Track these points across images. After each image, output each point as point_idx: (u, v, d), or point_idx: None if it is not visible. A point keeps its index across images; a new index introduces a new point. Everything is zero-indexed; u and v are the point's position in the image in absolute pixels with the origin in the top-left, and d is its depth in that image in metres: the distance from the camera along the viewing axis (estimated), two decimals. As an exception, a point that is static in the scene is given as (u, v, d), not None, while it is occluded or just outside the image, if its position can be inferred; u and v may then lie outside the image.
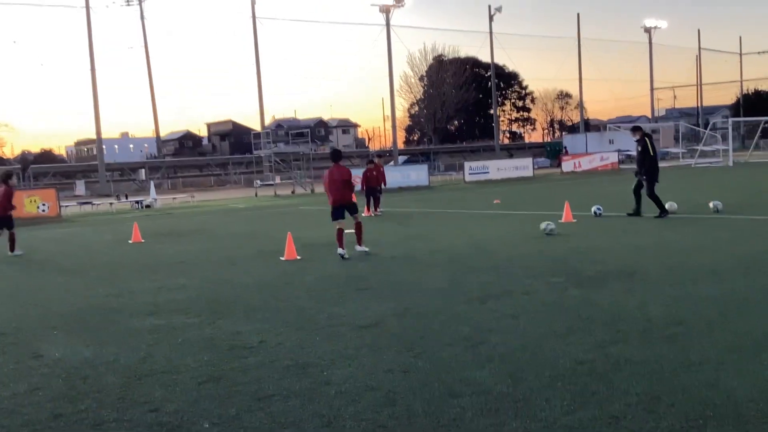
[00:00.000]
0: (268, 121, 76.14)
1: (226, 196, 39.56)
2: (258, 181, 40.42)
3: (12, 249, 14.64)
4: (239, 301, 8.33)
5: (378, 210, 20.68)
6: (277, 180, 40.26)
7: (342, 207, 11.63)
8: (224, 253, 13.15)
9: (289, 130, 47.32)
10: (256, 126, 61.60)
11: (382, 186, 21.43)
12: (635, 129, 16.02)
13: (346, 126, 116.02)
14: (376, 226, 16.73)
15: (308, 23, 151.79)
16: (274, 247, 13.03)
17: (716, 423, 3.95)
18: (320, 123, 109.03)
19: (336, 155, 12.16)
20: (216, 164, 70.86)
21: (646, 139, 14.91)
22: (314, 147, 52.49)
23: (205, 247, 14.37)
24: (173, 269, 11.36)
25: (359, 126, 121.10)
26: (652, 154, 14.77)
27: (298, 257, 11.58)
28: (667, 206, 15.01)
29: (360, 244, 11.87)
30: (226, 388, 5.07)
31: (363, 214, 16.43)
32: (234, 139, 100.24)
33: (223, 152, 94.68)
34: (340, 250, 11.28)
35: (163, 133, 75.19)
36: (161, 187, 52.95)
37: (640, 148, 14.91)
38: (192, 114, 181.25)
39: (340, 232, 11.45)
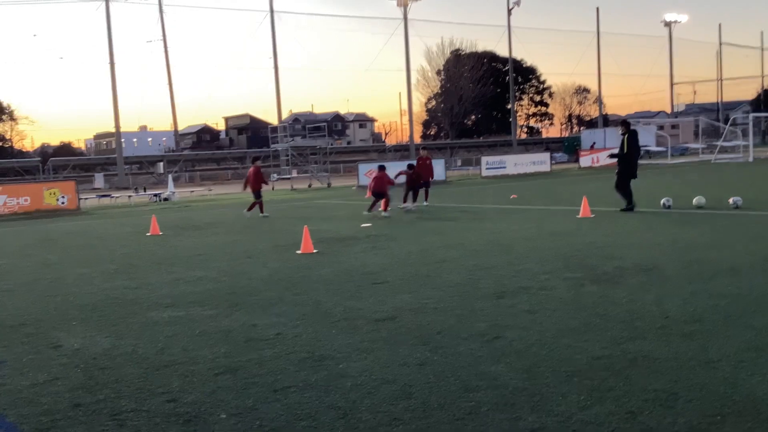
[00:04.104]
0: (285, 115, 76.29)
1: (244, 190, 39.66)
2: (275, 175, 40.52)
3: None
4: (256, 293, 8.38)
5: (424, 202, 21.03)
6: (294, 174, 40.37)
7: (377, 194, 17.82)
8: (241, 246, 13.21)
9: (306, 124, 47.40)
10: (273, 120, 61.81)
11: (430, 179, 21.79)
12: (622, 122, 16.65)
13: (363, 120, 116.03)
14: (392, 221, 16.74)
15: (325, 17, 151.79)
16: (291, 240, 13.07)
17: (734, 420, 3.92)
18: (337, 117, 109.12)
19: (381, 167, 18.94)
20: (233, 158, 71.08)
21: (628, 134, 15.41)
22: (331, 141, 52.56)
23: (222, 240, 14.45)
24: (191, 262, 11.43)
25: (376, 120, 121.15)
26: (626, 150, 15.24)
27: (315, 251, 11.62)
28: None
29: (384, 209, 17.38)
30: (242, 379, 5.10)
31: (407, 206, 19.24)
32: (251, 132, 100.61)
33: (241, 146, 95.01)
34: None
35: (181, 127, 75.66)
36: (179, 181, 53.26)
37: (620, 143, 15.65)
38: (210, 108, 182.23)
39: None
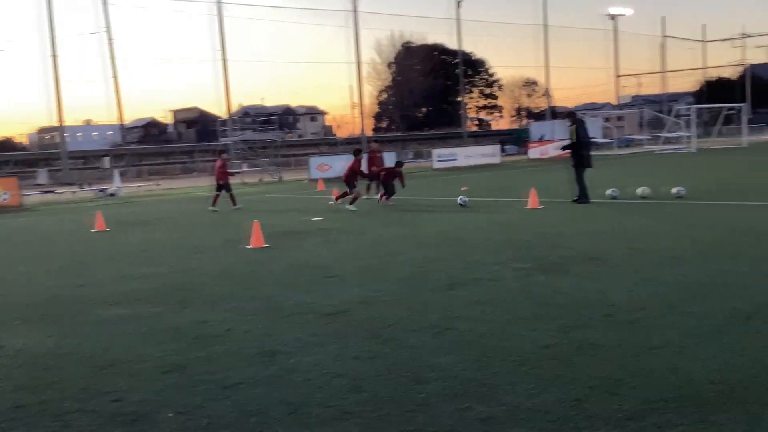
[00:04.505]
0: (234, 108, 75.34)
1: (193, 184, 39.14)
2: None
3: None
4: (206, 289, 8.27)
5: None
6: (245, 168, 39.93)
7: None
8: (190, 241, 13.02)
9: (256, 118, 46.87)
10: (222, 113, 61.02)
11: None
12: (568, 114, 16.95)
13: (314, 113, 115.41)
14: (343, 214, 16.71)
15: (275, 8, 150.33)
16: (241, 235, 12.94)
17: (676, 405, 4.03)
18: (288, 110, 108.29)
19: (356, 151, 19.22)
20: (182, 152, 69.97)
21: (575, 125, 15.63)
22: (282, 134, 52.17)
23: (170, 236, 14.22)
24: (138, 258, 11.22)
25: (327, 113, 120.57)
26: (575, 139, 15.39)
27: (266, 245, 11.52)
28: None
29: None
30: (191, 377, 5.03)
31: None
32: (200, 126, 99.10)
33: (189, 140, 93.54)
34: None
35: (127, 121, 74.10)
36: (126, 175, 52.16)
37: (568, 134, 15.81)
38: (158, 101, 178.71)
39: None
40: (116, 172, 37.44)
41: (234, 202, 19.82)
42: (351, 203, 17.45)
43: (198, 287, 8.43)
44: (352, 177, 18.15)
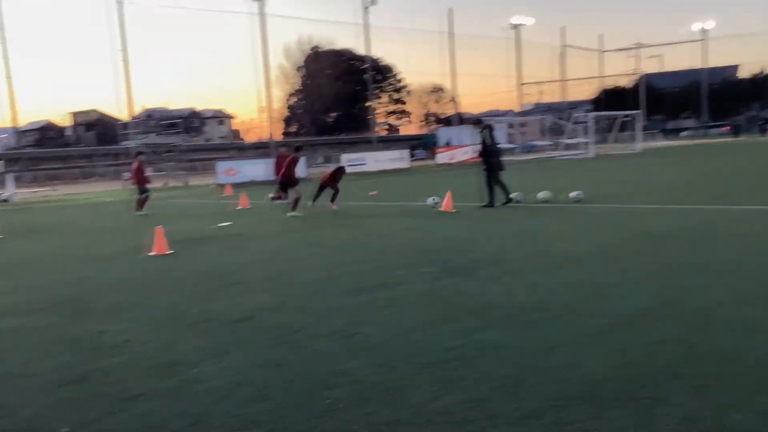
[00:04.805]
0: (137, 111, 73.09)
1: (92, 189, 37.73)
2: (126, 174, 38.77)
3: None
4: (105, 299, 7.96)
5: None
6: (149, 172, 38.79)
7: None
8: (89, 249, 12.52)
9: (160, 121, 45.66)
10: (124, 116, 59.11)
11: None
12: (476, 122, 17.27)
13: (221, 117, 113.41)
14: (252, 219, 16.48)
15: (181, 9, 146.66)
16: (144, 242, 12.54)
17: (574, 402, 4.17)
18: (193, 114, 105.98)
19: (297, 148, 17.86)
20: (81, 156, 67.23)
21: (486, 131, 16.00)
22: (188, 138, 50.98)
23: (68, 244, 13.63)
24: (33, 267, 10.70)
25: (235, 117, 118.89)
26: (488, 144, 15.78)
27: (170, 252, 11.22)
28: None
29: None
30: (87, 390, 4.83)
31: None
32: (101, 129, 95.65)
33: (89, 143, 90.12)
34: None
35: (22, 124, 70.64)
36: (21, 180, 49.71)
37: (480, 140, 16.08)
38: (55, 104, 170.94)
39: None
40: (9, 177, 35.63)
41: (140, 207, 19.34)
42: (294, 208, 16.78)
43: (96, 296, 8.11)
44: (289, 178, 17.29)
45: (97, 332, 6.40)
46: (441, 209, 15.38)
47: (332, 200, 17.51)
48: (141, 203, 19.59)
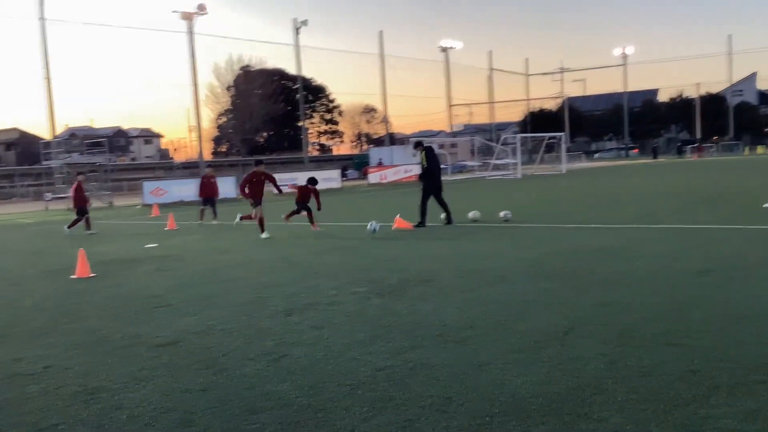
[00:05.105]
0: (60, 130, 70.89)
1: (12, 211, 36.30)
2: (49, 194, 37.52)
3: None
4: (22, 324, 7.64)
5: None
6: (71, 193, 37.61)
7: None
8: (6, 273, 12.02)
9: (84, 140, 44.40)
10: (46, 135, 57.19)
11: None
12: (416, 144, 17.39)
13: (149, 136, 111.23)
14: (179, 240, 16.15)
15: (107, 27, 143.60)
16: (65, 264, 12.13)
17: (501, 419, 4.21)
18: (119, 132, 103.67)
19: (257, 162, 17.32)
20: (0, 175, 64.70)
21: (423, 153, 16.29)
22: (113, 158, 49.69)
23: (-17, 267, 13.03)
24: (-56, 292, 10.18)
25: (163, 136, 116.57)
26: (426, 165, 16.07)
27: (92, 275, 10.86)
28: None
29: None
30: (1, 420, 4.60)
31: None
32: (21, 148, 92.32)
33: (9, 163, 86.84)
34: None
35: (-65, 141, 67.41)
36: (-67, 201, 47.40)
37: (419, 162, 16.42)
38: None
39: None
40: None
41: (72, 225, 19.18)
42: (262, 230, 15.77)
43: (13, 322, 7.78)
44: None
45: (13, 360, 6.13)
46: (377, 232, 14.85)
47: (310, 221, 16.88)
48: (87, 222, 19.53)
